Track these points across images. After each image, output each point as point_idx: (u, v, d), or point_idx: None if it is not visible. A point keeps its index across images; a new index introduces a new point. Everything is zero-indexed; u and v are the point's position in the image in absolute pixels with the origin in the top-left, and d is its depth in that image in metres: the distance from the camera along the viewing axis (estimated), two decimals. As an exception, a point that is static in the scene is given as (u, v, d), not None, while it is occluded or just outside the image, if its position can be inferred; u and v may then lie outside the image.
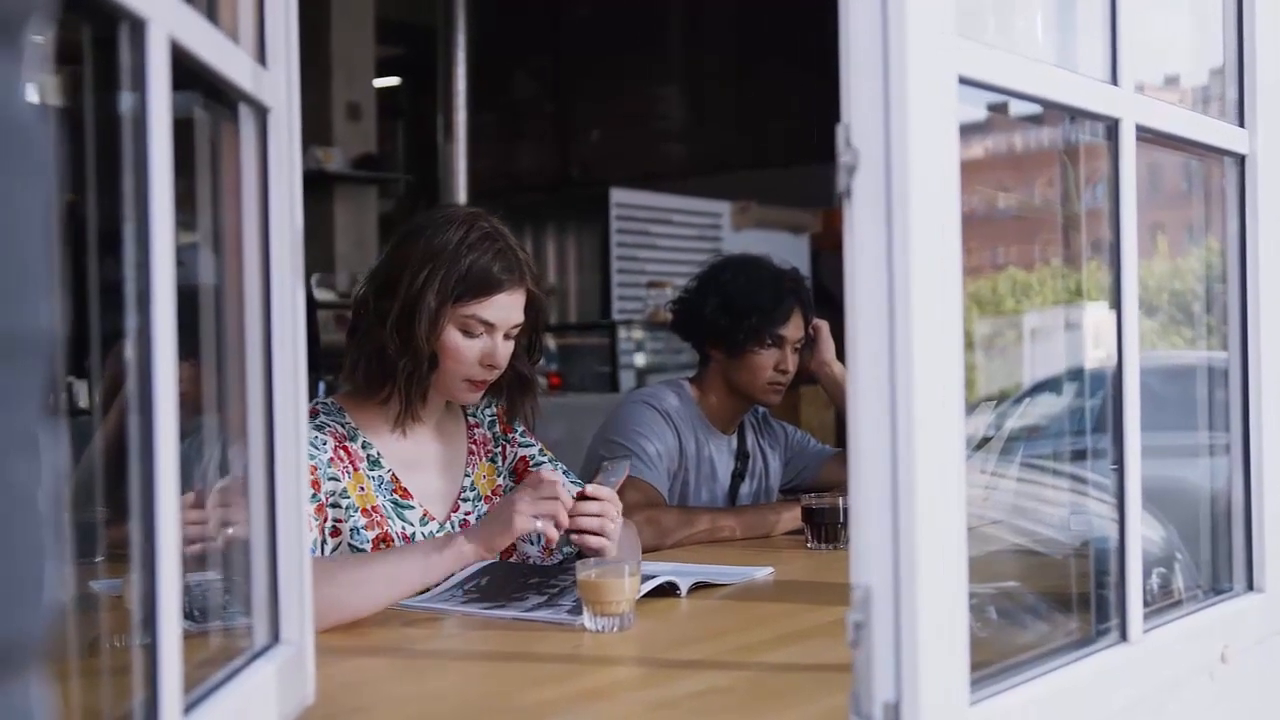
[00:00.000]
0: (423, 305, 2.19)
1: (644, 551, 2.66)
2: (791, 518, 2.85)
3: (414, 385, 2.23)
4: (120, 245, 1.01)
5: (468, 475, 2.38)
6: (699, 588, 2.18)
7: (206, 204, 1.33)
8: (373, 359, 2.24)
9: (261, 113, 1.35)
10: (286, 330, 1.38)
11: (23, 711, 0.55)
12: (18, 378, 0.55)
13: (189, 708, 1.08)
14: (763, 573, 2.36)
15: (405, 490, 2.27)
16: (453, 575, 2.10)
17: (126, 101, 1.01)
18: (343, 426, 2.25)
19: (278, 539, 1.38)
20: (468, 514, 2.35)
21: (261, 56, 1.36)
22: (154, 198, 1.01)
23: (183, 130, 1.08)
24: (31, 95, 0.57)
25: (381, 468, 2.26)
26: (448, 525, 2.30)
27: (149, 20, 1.00)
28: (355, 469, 2.22)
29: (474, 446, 2.41)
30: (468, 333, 2.23)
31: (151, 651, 1.01)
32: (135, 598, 1.36)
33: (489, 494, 2.39)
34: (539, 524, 2.01)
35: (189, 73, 1.12)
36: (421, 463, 2.33)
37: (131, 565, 1.03)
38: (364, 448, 2.26)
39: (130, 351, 1.00)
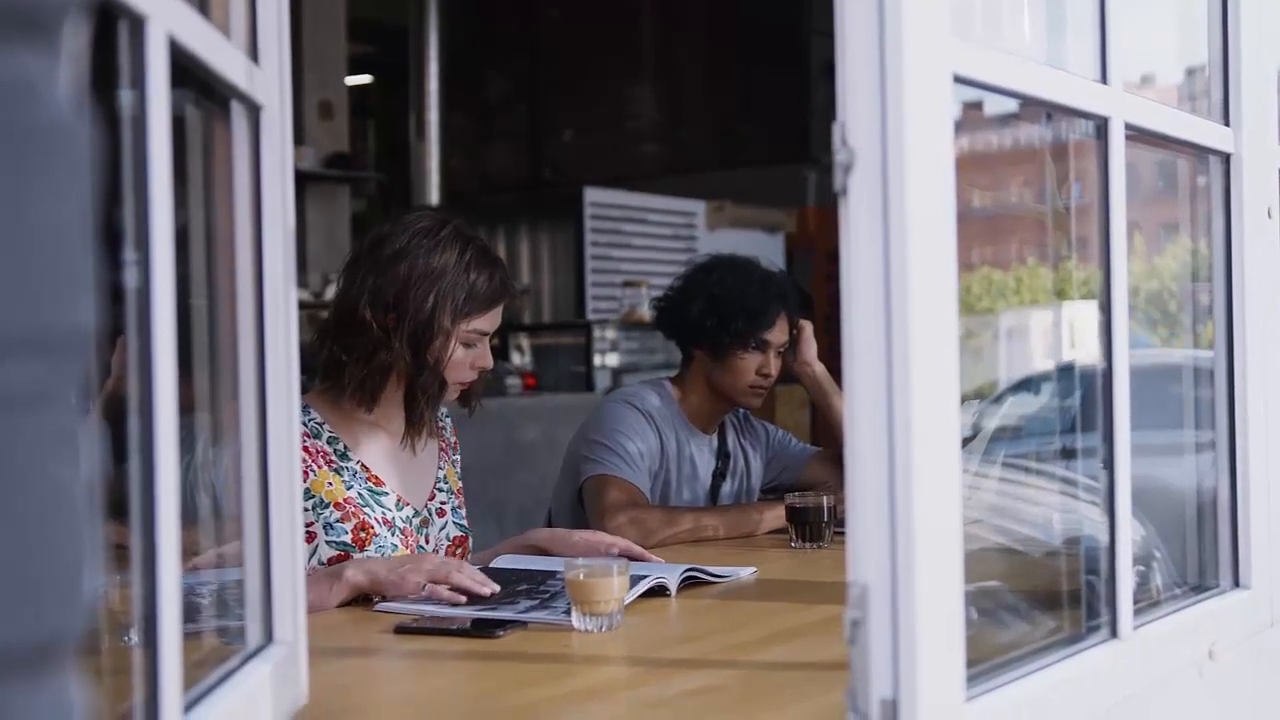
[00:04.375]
0: (437, 327, 2.25)
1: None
2: (774, 517, 2.85)
3: (432, 402, 2.32)
4: (119, 242, 1.00)
5: (440, 468, 2.44)
6: (689, 585, 2.18)
7: (197, 201, 1.32)
8: (379, 376, 2.27)
9: (254, 110, 1.35)
10: (279, 328, 1.37)
11: (65, 706, 0.55)
12: (58, 376, 0.54)
13: (187, 707, 1.08)
14: (747, 572, 2.36)
15: (378, 478, 2.31)
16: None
17: (125, 98, 1.00)
18: (306, 425, 2.27)
19: (271, 539, 1.37)
20: (443, 503, 2.42)
21: (254, 54, 1.35)
22: (153, 194, 1.00)
23: (174, 127, 1.07)
24: (69, 93, 0.57)
25: (351, 460, 2.29)
26: (424, 511, 2.36)
27: (148, 17, 0.99)
28: (319, 465, 2.24)
29: (443, 444, 2.48)
30: (468, 345, 2.30)
31: (152, 652, 1.00)
32: (118, 597, 1.35)
33: (458, 488, 2.48)
34: (423, 581, 2.02)
35: (182, 69, 1.11)
36: (394, 457, 2.36)
37: (122, 565, 1.02)
38: (330, 443, 2.29)
39: (130, 350, 0.99)
